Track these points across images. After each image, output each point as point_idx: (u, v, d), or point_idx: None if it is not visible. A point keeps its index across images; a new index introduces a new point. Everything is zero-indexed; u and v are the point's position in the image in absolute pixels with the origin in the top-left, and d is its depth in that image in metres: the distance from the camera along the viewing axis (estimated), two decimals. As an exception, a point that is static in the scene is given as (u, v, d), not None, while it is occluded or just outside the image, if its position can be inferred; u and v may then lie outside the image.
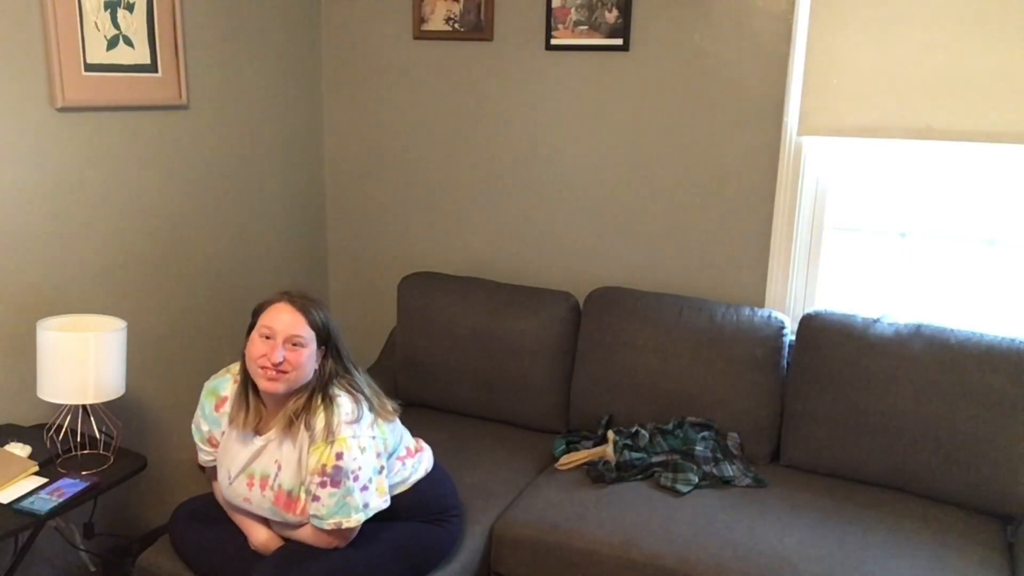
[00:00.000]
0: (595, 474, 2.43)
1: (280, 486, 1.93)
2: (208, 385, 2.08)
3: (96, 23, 2.38)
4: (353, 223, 3.37)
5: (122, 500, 2.68)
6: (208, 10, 2.73)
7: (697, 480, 2.39)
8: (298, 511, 1.92)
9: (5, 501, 1.95)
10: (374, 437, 1.94)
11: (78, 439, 2.19)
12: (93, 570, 2.50)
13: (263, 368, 1.88)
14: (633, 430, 2.56)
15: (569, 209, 2.99)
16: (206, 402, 2.06)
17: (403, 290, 2.98)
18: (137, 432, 2.64)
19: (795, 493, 2.37)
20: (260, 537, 1.99)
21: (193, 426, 2.09)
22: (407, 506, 2.04)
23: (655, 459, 2.47)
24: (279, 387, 1.89)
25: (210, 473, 2.12)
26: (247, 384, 1.96)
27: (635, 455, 2.47)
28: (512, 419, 2.85)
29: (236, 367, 2.03)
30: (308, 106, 3.23)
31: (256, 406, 1.96)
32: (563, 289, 2.91)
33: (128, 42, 2.48)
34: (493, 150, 3.07)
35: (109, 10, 2.41)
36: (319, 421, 1.89)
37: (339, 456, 1.85)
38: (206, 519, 2.09)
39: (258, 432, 1.97)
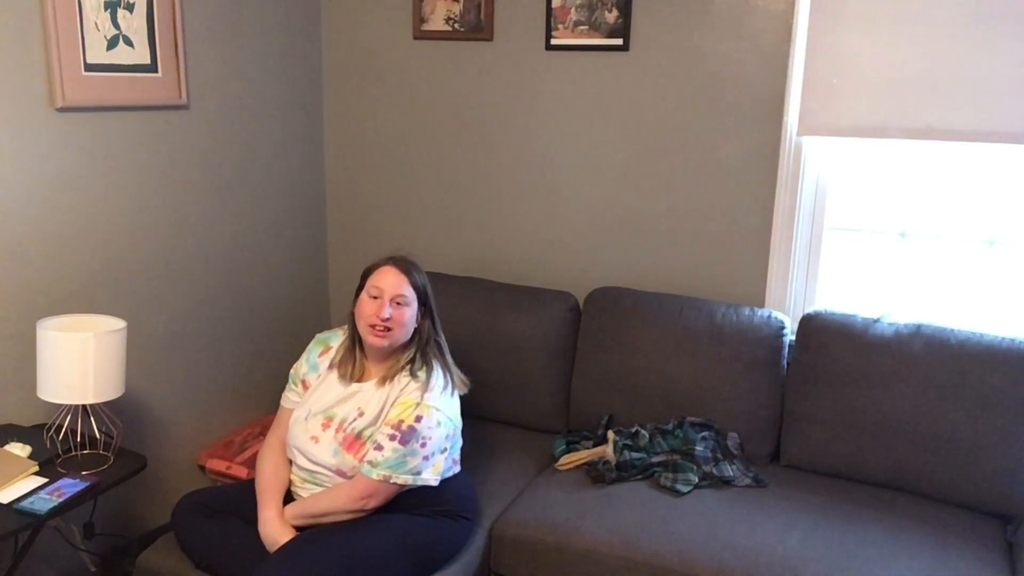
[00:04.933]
0: (595, 474, 2.43)
1: (354, 429, 2.09)
2: (320, 336, 2.33)
3: (96, 23, 2.38)
4: (353, 223, 3.37)
5: (122, 500, 2.68)
6: (208, 10, 2.73)
7: (697, 480, 2.39)
8: (359, 455, 2.06)
9: (5, 501, 1.94)
10: (451, 419, 2.11)
11: (78, 439, 2.19)
12: (93, 570, 2.50)
13: (372, 326, 2.09)
14: (633, 430, 2.56)
15: (569, 209, 2.99)
16: (314, 348, 2.30)
17: (403, 290, 2.98)
18: (137, 432, 2.64)
19: (795, 493, 2.37)
20: (272, 522, 2.03)
21: (292, 369, 2.30)
22: (428, 496, 2.08)
23: (655, 459, 2.47)
24: (385, 343, 2.11)
25: (282, 418, 2.26)
26: (355, 340, 2.19)
27: (635, 455, 2.47)
28: (512, 419, 2.85)
29: (346, 327, 2.25)
30: (308, 106, 3.23)
31: (361, 360, 2.19)
32: (563, 289, 2.90)
33: (128, 42, 2.48)
34: (493, 150, 3.07)
35: (109, 10, 2.41)
36: (422, 374, 2.11)
37: (418, 419, 2.02)
38: (209, 512, 2.11)
39: (356, 380, 2.17)
